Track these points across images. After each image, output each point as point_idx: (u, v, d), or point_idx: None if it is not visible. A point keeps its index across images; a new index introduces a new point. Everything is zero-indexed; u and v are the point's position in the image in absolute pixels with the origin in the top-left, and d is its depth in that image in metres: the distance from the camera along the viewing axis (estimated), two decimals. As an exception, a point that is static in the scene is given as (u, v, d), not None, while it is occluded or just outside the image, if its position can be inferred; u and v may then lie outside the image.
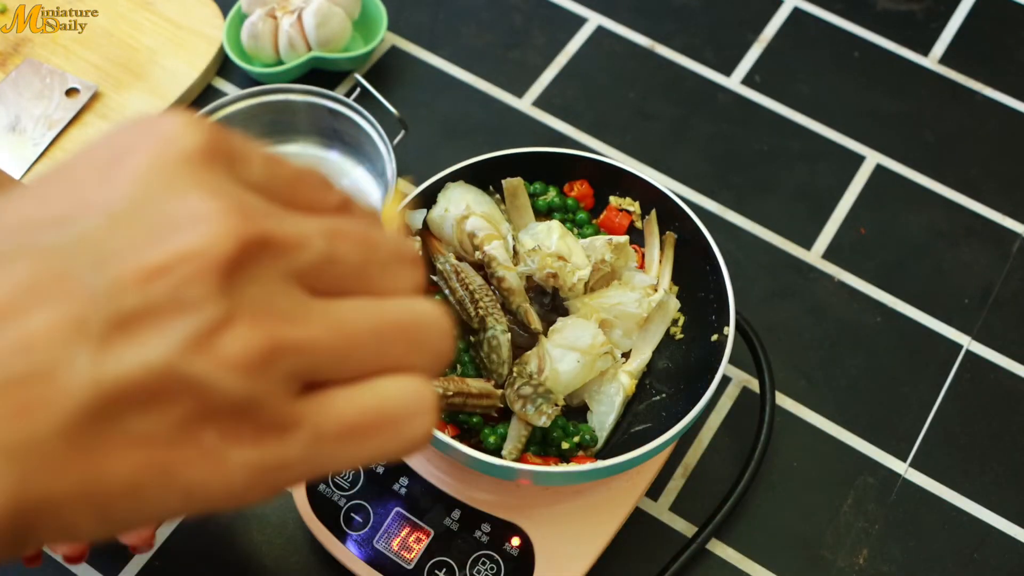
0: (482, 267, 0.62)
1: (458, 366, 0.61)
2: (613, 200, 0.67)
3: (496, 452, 0.58)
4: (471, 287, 0.60)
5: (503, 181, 0.65)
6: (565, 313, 0.62)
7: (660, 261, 0.65)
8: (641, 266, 0.66)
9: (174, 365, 0.23)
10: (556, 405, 0.57)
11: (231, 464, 0.24)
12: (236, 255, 0.24)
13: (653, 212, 0.66)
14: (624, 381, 0.61)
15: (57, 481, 0.23)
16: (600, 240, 0.63)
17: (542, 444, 0.60)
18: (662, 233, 0.66)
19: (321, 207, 0.28)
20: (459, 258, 0.63)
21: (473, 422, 0.59)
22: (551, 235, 0.62)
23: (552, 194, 0.66)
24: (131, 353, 0.23)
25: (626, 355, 0.63)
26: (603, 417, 0.61)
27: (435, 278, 0.62)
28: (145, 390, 0.23)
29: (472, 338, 0.61)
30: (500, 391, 0.59)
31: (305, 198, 0.27)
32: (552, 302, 0.63)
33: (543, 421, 0.56)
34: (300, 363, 0.25)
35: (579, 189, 0.67)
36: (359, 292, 0.27)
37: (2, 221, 0.25)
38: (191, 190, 0.24)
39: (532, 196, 0.66)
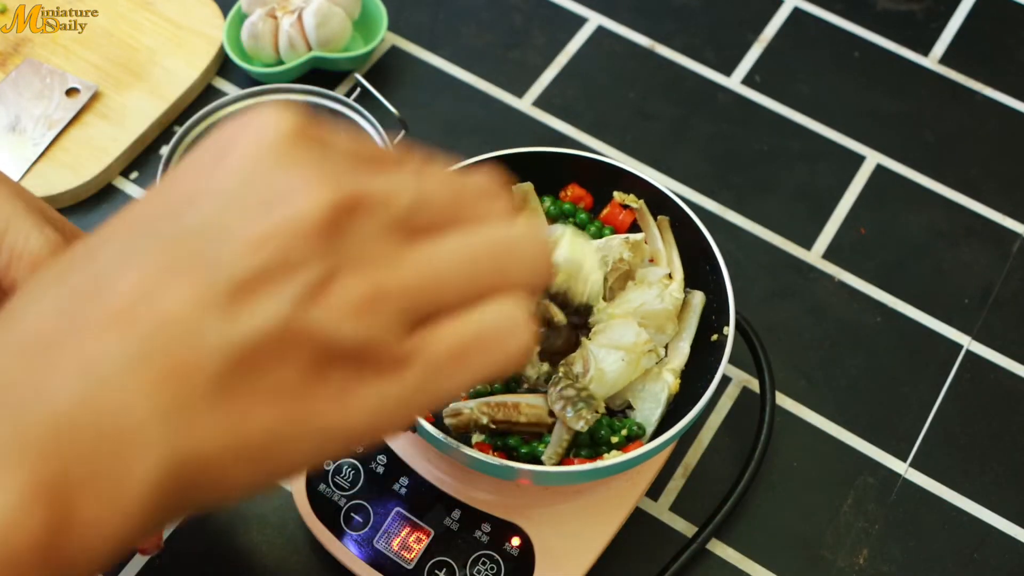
0: None
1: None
2: (617, 195, 0.67)
3: (530, 460, 0.57)
4: None
5: (512, 188, 0.64)
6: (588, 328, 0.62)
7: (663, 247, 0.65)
8: (651, 260, 0.66)
9: (292, 319, 0.26)
10: (596, 412, 0.56)
11: (358, 403, 0.27)
12: (332, 216, 0.26)
13: (642, 202, 0.65)
14: (669, 379, 0.60)
15: (208, 438, 0.26)
16: (616, 240, 0.63)
17: (591, 446, 0.59)
18: (657, 218, 0.66)
19: (407, 168, 0.30)
20: None
21: (511, 443, 0.59)
22: (560, 244, 0.61)
23: (547, 204, 0.66)
24: (255, 313, 0.26)
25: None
26: (649, 414, 0.60)
27: None
28: (272, 344, 0.26)
29: None
30: (552, 419, 0.58)
31: (390, 162, 0.30)
32: (579, 315, 0.62)
33: (580, 425, 0.55)
34: (404, 303, 0.27)
35: (572, 192, 0.67)
36: (453, 225, 0.29)
37: (135, 216, 0.28)
38: (288, 166, 0.27)
39: None
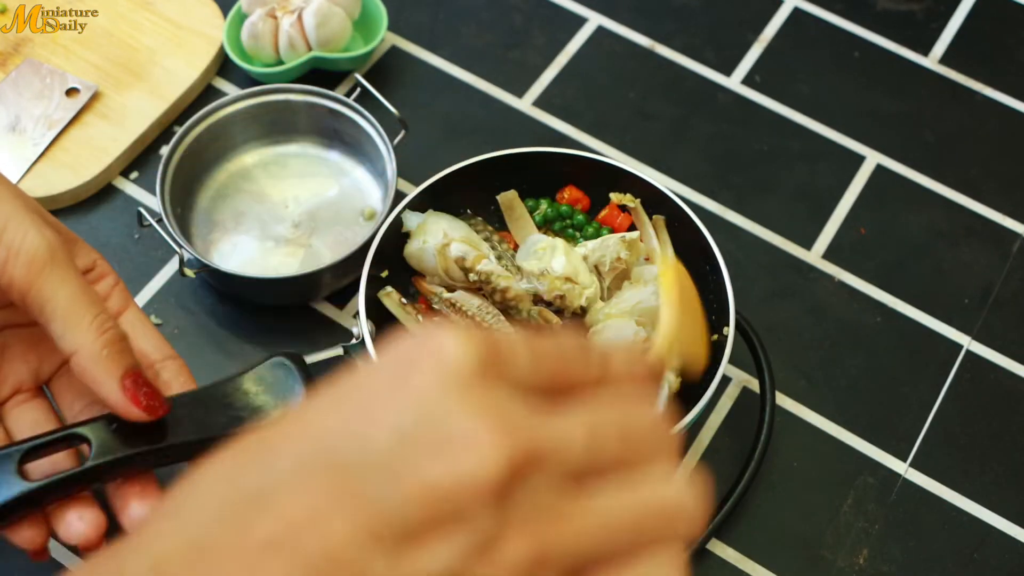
0: (479, 288, 0.62)
1: None
2: (614, 196, 0.67)
3: None
4: (469, 312, 0.60)
5: (498, 197, 0.65)
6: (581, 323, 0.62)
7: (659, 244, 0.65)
8: (646, 258, 0.66)
9: (458, 572, 0.26)
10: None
11: None
12: (506, 475, 0.27)
13: (638, 201, 0.66)
14: (669, 377, 0.61)
15: None
16: (613, 239, 0.63)
17: None
18: (649, 218, 0.66)
19: (583, 381, 0.31)
20: (449, 288, 0.63)
21: None
22: (556, 255, 0.61)
23: (544, 206, 0.66)
24: (422, 560, 0.26)
25: None
26: None
27: (436, 319, 0.62)
28: None
29: None
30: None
31: (569, 379, 0.30)
32: (575, 319, 0.62)
33: None
34: (568, 561, 0.28)
35: (569, 194, 0.67)
36: (618, 477, 0.29)
37: (306, 430, 0.29)
38: (465, 411, 0.27)
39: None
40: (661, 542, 0.30)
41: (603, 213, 0.67)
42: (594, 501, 0.29)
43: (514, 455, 0.27)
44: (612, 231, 0.66)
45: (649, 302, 0.61)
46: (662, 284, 0.56)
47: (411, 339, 0.30)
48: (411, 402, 0.28)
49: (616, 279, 0.63)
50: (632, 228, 0.67)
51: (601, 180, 0.67)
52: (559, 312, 0.62)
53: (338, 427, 0.28)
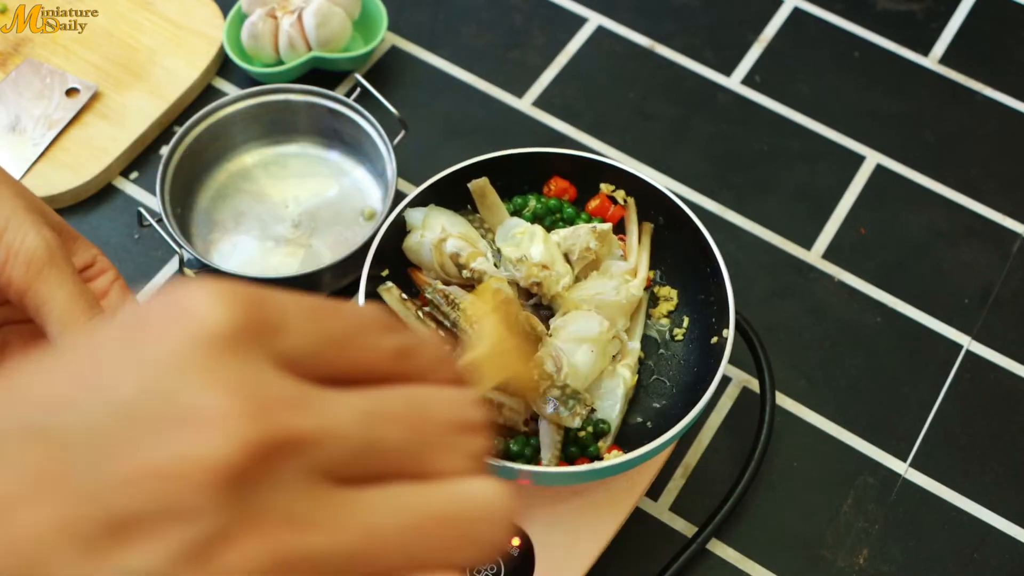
0: (472, 285, 0.62)
1: None
2: (603, 187, 0.67)
3: (518, 458, 0.58)
4: (463, 306, 0.61)
5: (469, 185, 0.65)
6: (549, 310, 0.63)
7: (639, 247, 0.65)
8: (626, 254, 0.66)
9: None
10: (587, 405, 0.58)
11: None
12: (244, 463, 0.22)
13: (631, 199, 0.66)
14: (625, 374, 0.61)
15: None
16: (584, 228, 0.63)
17: (576, 444, 0.60)
18: (642, 222, 0.66)
19: (375, 359, 0.26)
20: (444, 282, 0.63)
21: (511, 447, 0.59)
22: (534, 243, 0.62)
23: (533, 202, 0.66)
24: (117, 563, 0.21)
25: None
26: (609, 410, 0.61)
27: (428, 308, 0.62)
28: None
29: None
30: (525, 427, 0.59)
31: (355, 354, 0.25)
32: (539, 301, 0.63)
33: (577, 422, 0.57)
34: (317, 574, 0.22)
35: (555, 186, 0.67)
36: (401, 476, 0.24)
37: (12, 392, 0.23)
38: (207, 382, 0.22)
39: (517, 212, 0.66)
40: (444, 565, 0.24)
41: (594, 204, 0.67)
42: (364, 500, 0.23)
43: (260, 439, 0.22)
44: (603, 222, 0.66)
45: (608, 296, 0.62)
46: (483, 296, 0.56)
47: (160, 294, 0.24)
48: (142, 368, 0.23)
49: (585, 268, 0.64)
50: (623, 222, 0.67)
51: (600, 180, 0.67)
52: (532, 296, 0.62)
53: (51, 392, 0.23)
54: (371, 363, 0.26)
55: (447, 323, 0.61)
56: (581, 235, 0.63)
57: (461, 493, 0.25)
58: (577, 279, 0.63)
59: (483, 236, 0.65)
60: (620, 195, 0.67)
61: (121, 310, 0.24)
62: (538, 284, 0.61)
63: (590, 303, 0.61)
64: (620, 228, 0.67)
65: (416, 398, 0.25)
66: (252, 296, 0.24)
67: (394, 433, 0.24)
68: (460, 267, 0.62)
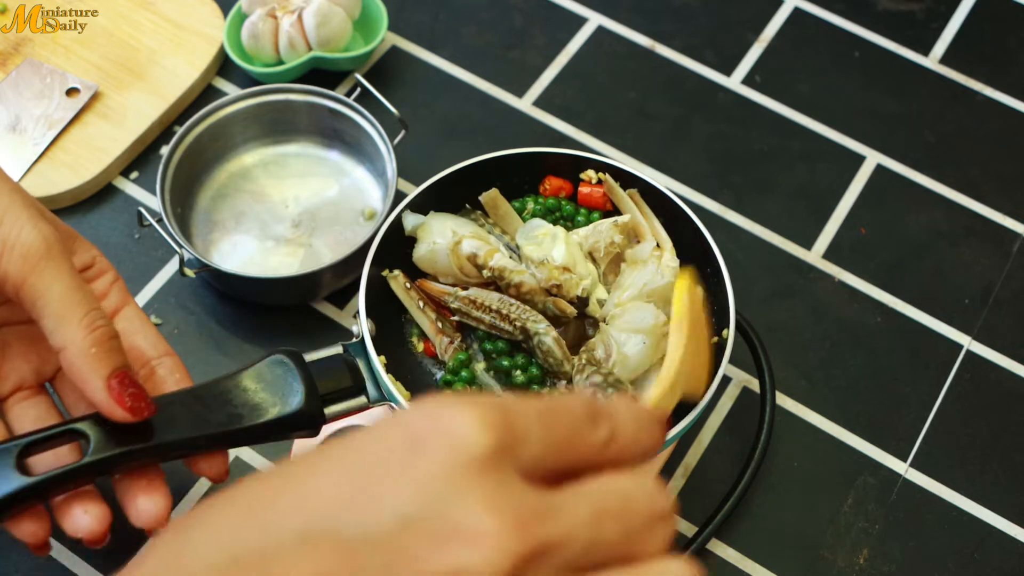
0: (492, 283, 0.62)
1: (519, 372, 0.61)
2: (584, 175, 0.66)
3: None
4: (493, 307, 0.60)
5: (480, 197, 0.65)
6: (593, 320, 0.62)
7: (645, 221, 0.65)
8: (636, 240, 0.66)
9: None
10: (627, 394, 0.57)
11: None
12: (513, 572, 0.26)
13: (608, 175, 0.65)
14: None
15: None
16: (605, 224, 0.63)
17: None
18: (627, 192, 0.66)
19: (589, 455, 0.30)
20: (463, 287, 0.62)
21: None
22: (556, 244, 0.61)
23: (531, 204, 0.66)
24: None
25: None
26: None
27: (456, 318, 0.62)
28: None
29: (523, 345, 0.61)
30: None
31: (575, 455, 0.30)
32: (576, 307, 0.62)
33: None
34: None
35: (551, 184, 0.67)
36: (616, 563, 0.29)
37: (308, 496, 0.28)
38: (474, 501, 0.27)
39: (517, 213, 0.66)
40: None
41: (579, 195, 0.66)
42: None
43: (522, 550, 0.26)
44: (595, 211, 0.66)
45: (655, 282, 0.61)
46: (675, 303, 0.56)
47: (421, 411, 0.29)
48: (418, 485, 0.27)
49: (611, 264, 0.63)
50: (610, 204, 0.66)
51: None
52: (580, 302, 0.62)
53: (341, 498, 0.27)
54: (587, 459, 0.30)
55: (482, 327, 0.61)
56: (603, 231, 0.62)
57: (662, 573, 0.30)
58: (605, 275, 0.63)
59: (490, 232, 0.65)
60: (590, 175, 0.66)
61: (380, 421, 0.30)
62: (558, 286, 0.60)
63: (643, 297, 0.61)
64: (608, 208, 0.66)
65: (624, 492, 0.30)
66: (502, 415, 0.28)
67: (614, 528, 0.29)
68: (479, 267, 0.61)
